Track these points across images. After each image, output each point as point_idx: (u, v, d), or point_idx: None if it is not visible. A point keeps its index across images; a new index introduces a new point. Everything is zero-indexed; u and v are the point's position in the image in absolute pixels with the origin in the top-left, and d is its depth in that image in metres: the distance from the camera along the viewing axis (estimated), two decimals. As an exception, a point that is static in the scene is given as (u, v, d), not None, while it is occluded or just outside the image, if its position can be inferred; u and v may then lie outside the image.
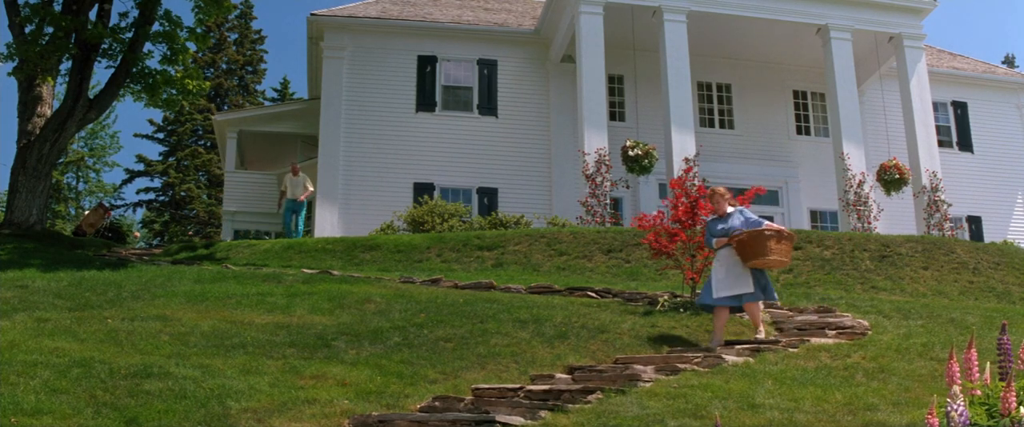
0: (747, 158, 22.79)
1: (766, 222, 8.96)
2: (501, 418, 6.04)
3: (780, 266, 9.05)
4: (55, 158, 19.05)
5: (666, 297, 10.48)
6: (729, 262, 8.81)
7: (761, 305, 9.02)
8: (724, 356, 7.67)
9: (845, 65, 21.11)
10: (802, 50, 22.70)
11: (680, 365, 7.37)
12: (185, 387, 6.66)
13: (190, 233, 40.85)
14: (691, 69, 20.38)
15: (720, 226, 9.01)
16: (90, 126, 36.97)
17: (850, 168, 20.05)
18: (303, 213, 20.33)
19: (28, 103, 18.72)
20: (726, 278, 8.76)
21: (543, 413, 6.16)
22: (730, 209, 9.09)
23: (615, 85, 22.77)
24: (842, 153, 20.30)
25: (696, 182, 13.21)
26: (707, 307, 9.05)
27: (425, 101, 22.41)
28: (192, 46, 19.19)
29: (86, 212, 24.51)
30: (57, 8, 18.40)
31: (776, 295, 9.18)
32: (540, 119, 22.66)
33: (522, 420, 6.07)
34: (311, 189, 20.68)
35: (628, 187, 20.66)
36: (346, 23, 22.57)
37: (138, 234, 39.54)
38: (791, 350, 8.10)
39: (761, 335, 8.74)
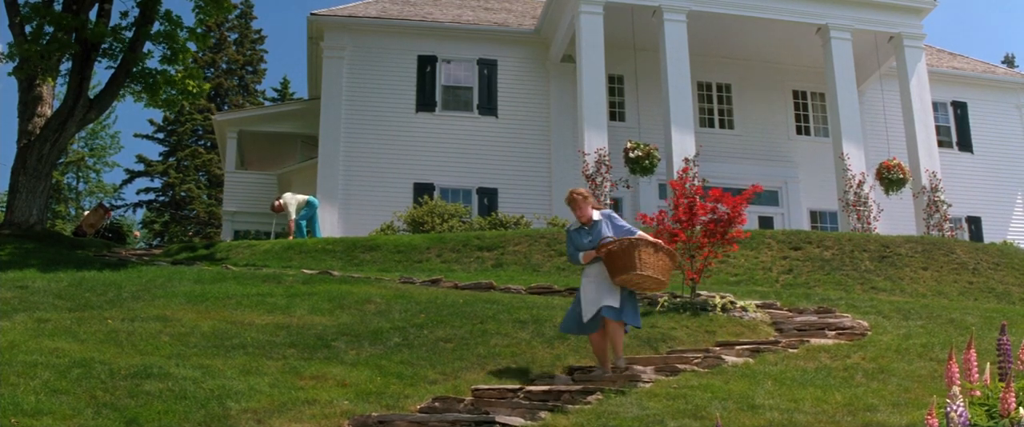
0: (747, 158, 22.80)
1: (640, 232, 7.55)
2: (501, 419, 6.05)
3: (654, 287, 7.44)
4: (55, 158, 19.04)
5: (666, 297, 10.48)
6: (599, 279, 7.37)
7: (622, 330, 7.43)
8: (724, 357, 7.68)
9: (845, 65, 21.11)
10: (802, 50, 22.70)
11: (680, 366, 7.38)
12: (185, 388, 6.66)
13: (190, 233, 40.87)
14: (691, 69, 20.38)
15: (585, 238, 7.49)
16: (90, 126, 37.01)
17: (850, 168, 20.05)
18: (316, 218, 19.72)
19: (28, 103, 18.72)
20: (595, 297, 7.35)
21: (543, 414, 6.16)
22: (596, 215, 7.53)
23: (615, 85, 22.78)
24: (842, 153, 20.30)
25: (695, 182, 13.22)
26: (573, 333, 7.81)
27: (425, 101, 22.41)
28: (192, 46, 19.17)
29: (86, 212, 24.49)
30: (57, 8, 18.40)
31: (639, 322, 7.57)
32: (540, 119, 22.67)
33: (522, 421, 6.07)
34: (291, 208, 19.66)
35: (628, 187, 20.67)
36: (346, 23, 22.58)
37: (138, 234, 39.53)
38: (791, 351, 8.11)
39: (622, 363, 7.34)
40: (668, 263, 7.39)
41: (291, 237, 18.74)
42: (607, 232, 7.42)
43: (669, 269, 7.42)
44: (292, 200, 19.31)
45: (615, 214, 7.70)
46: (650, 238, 7.41)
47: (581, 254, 7.45)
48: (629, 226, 7.55)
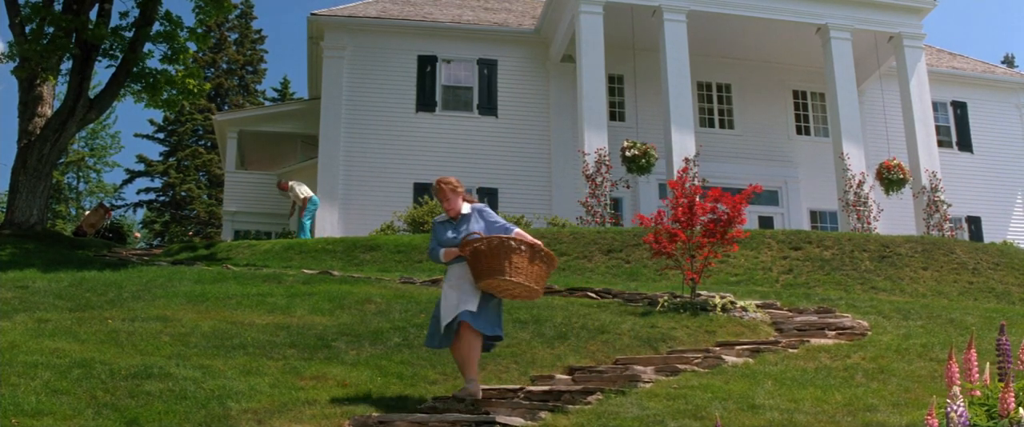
0: (747, 158, 22.80)
1: (517, 229, 6.52)
2: (501, 419, 6.05)
3: (525, 296, 6.45)
4: (56, 158, 19.04)
5: (666, 298, 10.48)
6: (461, 282, 6.39)
7: (479, 342, 6.37)
8: (724, 357, 7.68)
9: (845, 65, 21.13)
10: (802, 50, 22.71)
11: (680, 366, 7.38)
12: (185, 388, 6.66)
13: (190, 233, 40.85)
14: (691, 69, 20.40)
15: (450, 233, 6.58)
16: (91, 126, 37.01)
17: (850, 168, 20.06)
18: (306, 217, 19.85)
19: (29, 103, 18.72)
20: (456, 302, 6.39)
21: (543, 414, 6.16)
22: (466, 209, 6.66)
23: (615, 85, 22.79)
24: (842, 153, 20.31)
25: (695, 182, 13.22)
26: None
27: (425, 101, 22.42)
28: (192, 46, 19.18)
29: (87, 212, 24.50)
30: (58, 8, 18.40)
31: (501, 332, 6.59)
32: (540, 119, 22.68)
33: (522, 421, 6.07)
34: (298, 192, 19.91)
35: (628, 187, 20.68)
36: (346, 23, 22.59)
37: (138, 234, 39.56)
38: (791, 351, 8.11)
39: (473, 387, 6.35)
40: (544, 270, 6.32)
41: (290, 217, 19.08)
42: (477, 228, 6.48)
43: (545, 276, 6.36)
44: (300, 187, 19.64)
45: (489, 209, 6.74)
46: (528, 238, 6.38)
47: (442, 251, 6.52)
48: (504, 223, 6.60)
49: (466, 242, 6.28)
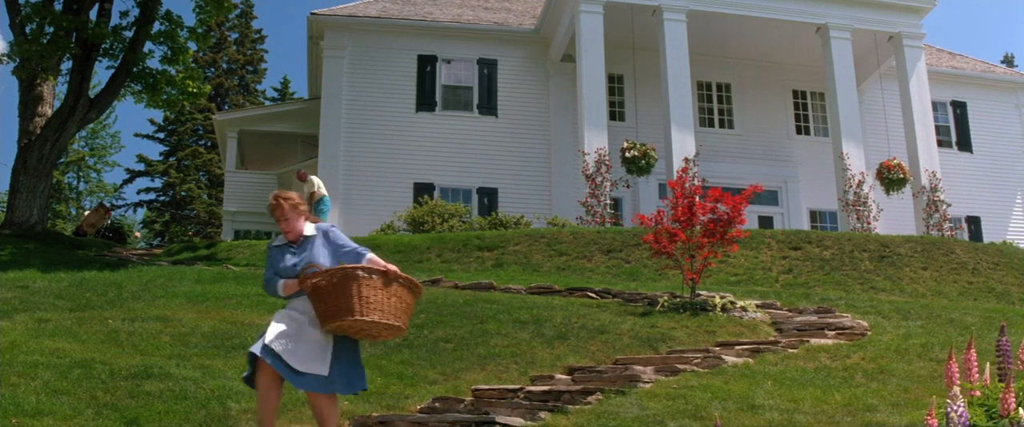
0: (747, 158, 22.80)
1: (370, 255, 5.31)
2: (501, 419, 6.06)
3: (386, 335, 5.28)
4: (56, 158, 19.05)
5: (666, 298, 10.49)
6: (304, 325, 5.14)
7: (336, 401, 5.23)
8: (724, 357, 7.68)
9: (844, 64, 21.13)
10: (802, 49, 22.71)
11: (680, 366, 7.38)
12: (186, 388, 6.66)
13: (191, 233, 40.86)
14: (691, 69, 20.40)
15: (290, 259, 5.33)
16: (91, 126, 37.00)
17: (849, 168, 20.07)
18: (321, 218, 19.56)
19: (29, 103, 18.73)
20: (295, 342, 5.07)
21: (543, 414, 6.17)
22: (309, 230, 5.43)
23: (615, 85, 22.79)
24: (842, 153, 20.31)
25: (694, 182, 13.22)
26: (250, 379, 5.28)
27: (425, 101, 22.42)
28: (193, 46, 19.18)
29: (87, 212, 24.52)
30: (58, 7, 18.41)
31: (366, 382, 5.34)
32: (540, 119, 22.68)
33: (522, 421, 6.08)
34: (316, 186, 19.76)
35: (628, 187, 20.68)
36: (346, 22, 22.59)
37: (139, 234, 39.56)
38: (791, 351, 8.11)
39: None
40: (406, 301, 5.16)
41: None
42: (323, 256, 5.29)
43: (409, 309, 5.19)
44: (319, 184, 19.24)
45: (337, 230, 5.51)
46: (382, 264, 5.15)
47: (280, 282, 5.29)
48: (356, 247, 5.38)
49: (304, 277, 5.10)
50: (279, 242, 5.46)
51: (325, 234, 5.43)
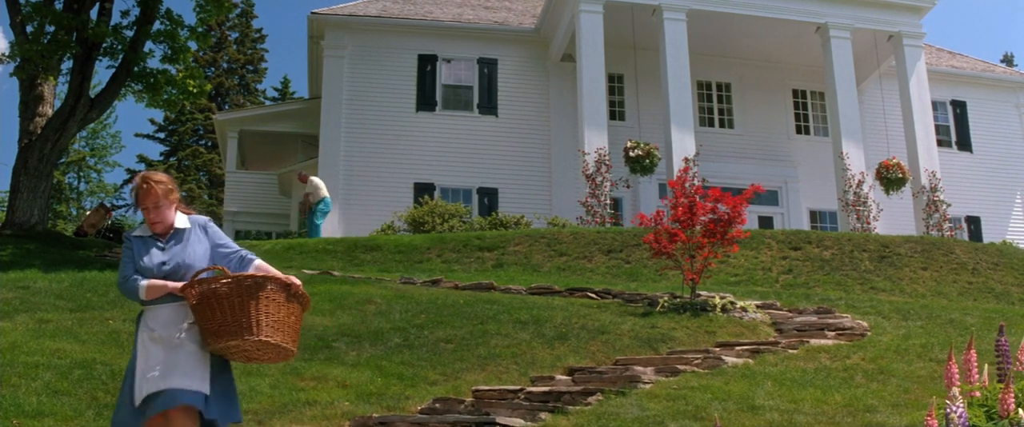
0: (747, 158, 22.81)
1: (257, 260, 4.49)
2: (501, 419, 6.06)
3: (275, 358, 4.39)
4: (56, 158, 19.05)
5: (666, 298, 10.49)
6: (165, 335, 4.24)
7: None
8: (724, 357, 7.69)
9: (844, 64, 21.14)
10: (802, 49, 22.72)
11: (680, 366, 7.39)
12: (186, 388, 6.66)
13: (191, 233, 40.80)
14: (691, 68, 20.41)
15: (157, 254, 4.40)
16: (91, 126, 37.01)
17: (849, 168, 20.08)
18: (318, 217, 19.52)
19: (29, 102, 18.72)
20: (165, 365, 4.15)
21: (543, 415, 6.17)
22: (182, 221, 4.52)
23: (615, 84, 22.80)
24: (842, 153, 20.32)
25: (695, 182, 13.22)
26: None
27: (425, 100, 22.43)
28: (193, 45, 19.18)
29: (87, 212, 24.53)
30: (58, 7, 18.40)
31: (240, 415, 4.40)
32: (540, 119, 22.69)
33: (522, 422, 6.09)
34: (319, 188, 19.66)
35: (628, 187, 20.69)
36: (347, 22, 22.60)
37: (139, 234, 39.46)
38: (791, 351, 8.12)
39: None
40: (300, 315, 4.38)
41: (301, 210, 18.99)
42: (197, 254, 4.42)
43: (297, 326, 4.35)
44: (320, 185, 19.19)
45: (215, 225, 4.63)
46: (275, 273, 4.37)
47: (143, 283, 4.29)
48: (239, 249, 4.56)
49: (197, 282, 4.20)
50: (141, 232, 4.51)
51: (203, 228, 4.53)
